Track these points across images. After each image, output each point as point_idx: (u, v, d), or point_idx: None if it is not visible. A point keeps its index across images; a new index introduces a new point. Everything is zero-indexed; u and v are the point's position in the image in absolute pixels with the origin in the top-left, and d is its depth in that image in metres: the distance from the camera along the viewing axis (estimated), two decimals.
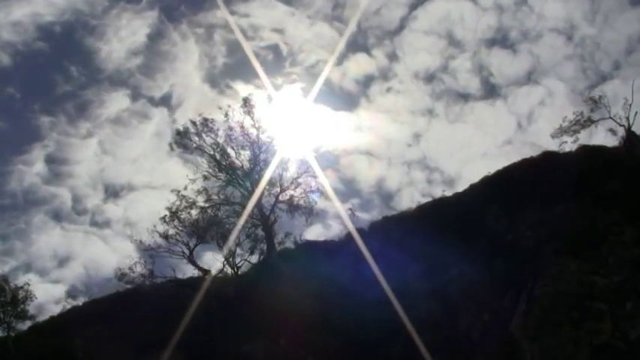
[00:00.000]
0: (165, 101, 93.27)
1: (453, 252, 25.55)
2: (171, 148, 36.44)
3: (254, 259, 35.46)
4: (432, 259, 26.20)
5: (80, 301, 33.58)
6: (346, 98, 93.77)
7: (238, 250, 35.11)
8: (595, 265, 21.71)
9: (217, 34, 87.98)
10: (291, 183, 35.91)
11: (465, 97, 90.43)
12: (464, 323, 23.87)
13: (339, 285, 27.13)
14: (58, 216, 75.54)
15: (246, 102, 36.05)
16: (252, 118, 35.88)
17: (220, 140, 35.97)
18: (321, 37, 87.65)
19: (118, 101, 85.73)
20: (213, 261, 34.74)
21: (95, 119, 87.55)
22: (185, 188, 35.44)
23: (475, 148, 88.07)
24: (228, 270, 34.39)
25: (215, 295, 28.78)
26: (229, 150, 36.03)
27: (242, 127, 35.84)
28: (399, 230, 29.10)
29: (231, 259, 34.50)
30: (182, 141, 35.90)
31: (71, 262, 68.03)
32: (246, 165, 35.90)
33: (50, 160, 76.63)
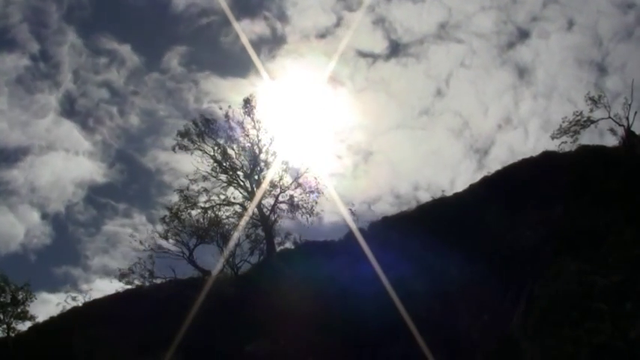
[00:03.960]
0: (45, 58, 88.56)
1: (453, 252, 25.54)
2: (174, 150, 36.50)
3: (254, 259, 35.58)
4: (431, 259, 26.18)
5: (80, 302, 33.58)
6: (237, 64, 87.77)
7: (238, 251, 35.21)
8: (595, 265, 21.67)
9: None
10: (291, 183, 35.98)
11: (371, 57, 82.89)
12: (464, 323, 23.87)
13: (338, 285, 27.12)
14: None
15: (246, 102, 36.15)
16: (252, 119, 35.99)
17: (221, 141, 36.06)
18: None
19: None
20: (213, 261, 34.82)
21: None
22: (187, 188, 35.62)
23: (388, 119, 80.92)
24: (228, 270, 34.45)
25: (215, 296, 28.77)
26: (230, 151, 36.10)
27: (242, 127, 35.95)
28: (399, 230, 29.08)
29: (231, 260, 34.56)
30: (183, 141, 35.96)
31: None
32: (247, 166, 35.95)
33: None
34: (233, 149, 36.07)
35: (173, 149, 36.36)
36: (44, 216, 73.68)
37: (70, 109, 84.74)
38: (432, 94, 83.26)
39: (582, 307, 20.39)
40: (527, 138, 75.02)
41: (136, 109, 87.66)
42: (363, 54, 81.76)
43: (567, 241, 23.06)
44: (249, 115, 35.89)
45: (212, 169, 35.88)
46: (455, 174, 72.48)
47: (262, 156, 35.80)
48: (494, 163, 73.67)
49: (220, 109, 36.44)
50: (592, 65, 75.98)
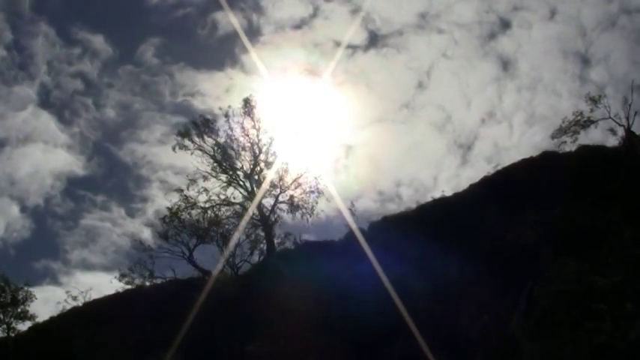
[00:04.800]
0: (19, 48, 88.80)
1: (453, 252, 25.54)
2: (174, 150, 36.49)
3: (254, 259, 35.64)
4: (431, 260, 26.17)
5: (80, 302, 33.64)
6: (213, 57, 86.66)
7: (238, 251, 35.27)
8: (595, 265, 21.67)
9: None
10: (292, 183, 35.98)
11: (350, 48, 79.05)
12: (464, 323, 23.85)
13: (338, 285, 27.12)
14: None
15: (246, 103, 36.17)
16: (252, 119, 36.01)
17: (221, 141, 36.07)
18: None
19: None
20: (213, 261, 34.87)
21: None
22: (187, 188, 35.64)
23: (369, 112, 78.47)
24: (229, 270, 34.50)
25: (215, 296, 28.79)
26: (230, 151, 36.11)
27: (242, 127, 35.96)
28: (399, 230, 29.06)
29: (231, 260, 34.62)
30: (183, 142, 35.98)
31: None
32: (247, 166, 35.97)
33: None
34: (233, 149, 36.12)
35: (173, 149, 36.45)
36: (23, 209, 73.68)
37: (47, 101, 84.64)
38: (413, 86, 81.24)
39: (582, 307, 20.37)
40: (512, 133, 73.78)
41: (111, 102, 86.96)
42: (341, 45, 79.93)
43: (567, 241, 23.05)
44: (248, 114, 35.95)
45: (212, 169, 35.95)
46: (438, 170, 71.03)
47: (262, 156, 35.85)
48: (479, 159, 72.49)
49: (220, 109, 36.54)
50: (576, 56, 74.46)
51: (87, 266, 65.24)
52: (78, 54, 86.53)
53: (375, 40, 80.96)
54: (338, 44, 72.27)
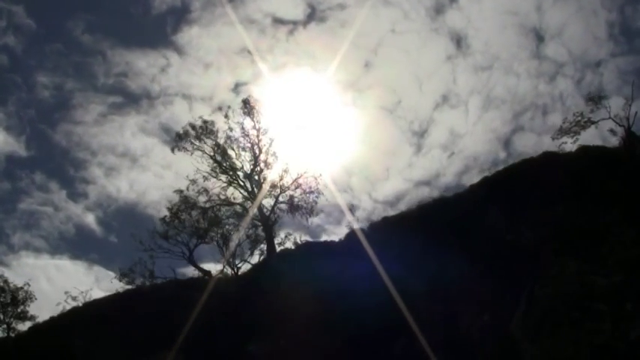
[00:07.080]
0: None
1: (453, 252, 25.55)
2: (173, 151, 36.49)
3: (254, 259, 35.66)
4: (432, 260, 26.18)
5: (80, 302, 33.66)
6: (147, 36, 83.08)
7: (238, 251, 35.31)
8: (595, 265, 21.67)
9: None
10: (292, 183, 36.00)
11: (290, 23, 75.73)
12: (464, 323, 23.86)
13: (339, 285, 27.12)
14: None
15: (245, 103, 36.19)
16: (252, 120, 36.03)
17: (221, 141, 36.08)
18: None
19: None
20: (213, 261, 34.89)
21: None
22: (187, 189, 35.64)
23: (313, 96, 75.69)
24: (229, 270, 34.54)
25: (215, 296, 28.81)
26: (230, 151, 36.14)
27: (242, 128, 35.99)
28: (399, 230, 29.09)
29: (231, 260, 34.65)
30: (182, 143, 35.98)
31: None
32: (247, 166, 35.99)
33: None
34: (233, 149, 36.15)
35: (172, 150, 36.46)
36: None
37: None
38: (360, 65, 75.64)
39: (582, 308, 20.38)
40: (468, 117, 70.68)
41: (42, 81, 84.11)
42: (280, 21, 74.89)
43: (567, 241, 23.06)
44: (248, 115, 35.96)
45: (212, 170, 35.96)
46: (391, 158, 67.66)
47: (262, 156, 35.86)
48: (433, 147, 69.86)
49: (220, 109, 36.48)
50: (531, 31, 70.30)
51: (32, 249, 64.67)
52: (2, 27, 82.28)
53: (315, 14, 76.31)
54: (277, 20, 66.44)
